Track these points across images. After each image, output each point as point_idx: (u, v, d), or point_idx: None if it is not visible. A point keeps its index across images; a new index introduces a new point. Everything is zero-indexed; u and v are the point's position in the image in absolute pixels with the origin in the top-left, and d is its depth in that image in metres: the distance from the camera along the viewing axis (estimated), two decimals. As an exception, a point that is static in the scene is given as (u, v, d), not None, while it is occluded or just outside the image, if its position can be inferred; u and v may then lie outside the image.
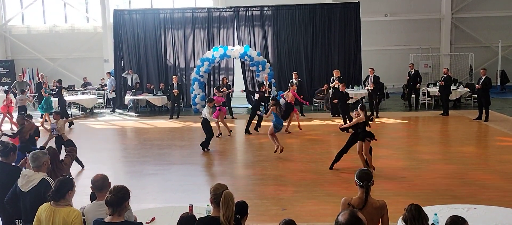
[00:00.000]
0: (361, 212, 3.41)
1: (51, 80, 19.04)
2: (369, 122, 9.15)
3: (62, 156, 5.95)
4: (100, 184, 4.22)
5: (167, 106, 18.39)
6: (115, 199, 3.68)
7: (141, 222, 4.04)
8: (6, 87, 20.18)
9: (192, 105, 18.16)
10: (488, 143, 12.24)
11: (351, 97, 15.06)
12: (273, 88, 17.02)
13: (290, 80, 16.36)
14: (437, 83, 17.14)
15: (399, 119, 15.58)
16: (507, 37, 21.80)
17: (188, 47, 19.36)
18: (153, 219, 5.26)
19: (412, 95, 17.37)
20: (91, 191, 4.54)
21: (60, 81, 16.41)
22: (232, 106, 17.23)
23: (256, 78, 18.36)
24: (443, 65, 21.04)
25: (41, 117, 16.02)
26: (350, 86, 17.32)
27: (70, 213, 4.00)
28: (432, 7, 22.32)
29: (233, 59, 18.36)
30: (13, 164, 5.49)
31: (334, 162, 9.44)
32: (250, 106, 19.17)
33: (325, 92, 17.64)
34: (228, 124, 13.86)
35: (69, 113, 18.22)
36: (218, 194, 3.75)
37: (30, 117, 9.29)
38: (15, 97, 16.73)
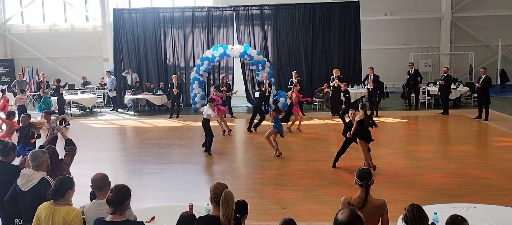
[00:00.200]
0: (361, 211, 3.41)
1: (51, 79, 19.04)
2: (371, 122, 9.11)
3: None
4: (100, 183, 4.21)
5: (166, 106, 18.39)
6: (117, 198, 3.68)
7: (142, 221, 4.03)
8: (5, 86, 20.20)
9: (192, 105, 18.15)
10: (487, 142, 12.24)
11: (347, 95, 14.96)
12: (273, 87, 17.02)
13: (290, 80, 16.37)
14: (437, 83, 17.14)
15: (399, 118, 15.59)
16: (507, 36, 21.80)
17: (188, 46, 19.35)
18: (153, 218, 5.26)
19: (412, 95, 17.37)
20: (90, 190, 4.54)
21: (58, 81, 16.39)
22: (232, 105, 17.22)
23: (256, 77, 18.36)
24: (443, 64, 21.06)
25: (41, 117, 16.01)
26: (349, 85, 17.32)
27: (70, 212, 4.00)
28: (432, 6, 22.32)
29: (233, 58, 18.35)
30: (13, 163, 5.49)
31: (335, 160, 9.47)
32: (250, 105, 19.21)
33: (324, 92, 17.64)
34: (228, 123, 13.86)
35: (69, 112, 18.25)
36: (218, 193, 3.75)
37: (29, 116, 9.32)
38: (15, 97, 16.75)
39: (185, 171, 9.79)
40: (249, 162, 10.57)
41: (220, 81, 17.53)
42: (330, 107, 16.78)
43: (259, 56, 17.59)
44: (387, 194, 7.15)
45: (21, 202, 4.67)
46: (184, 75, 19.38)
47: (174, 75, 17.50)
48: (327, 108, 17.27)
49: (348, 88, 15.04)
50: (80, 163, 8.61)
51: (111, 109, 19.08)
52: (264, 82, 16.24)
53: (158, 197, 8.08)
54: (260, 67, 17.46)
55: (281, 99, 16.89)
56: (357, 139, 9.08)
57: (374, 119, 9.84)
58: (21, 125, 9.30)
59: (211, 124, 11.16)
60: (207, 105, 11.24)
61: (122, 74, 19.18)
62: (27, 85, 17.93)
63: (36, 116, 15.58)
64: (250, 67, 18.33)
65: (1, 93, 15.54)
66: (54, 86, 16.41)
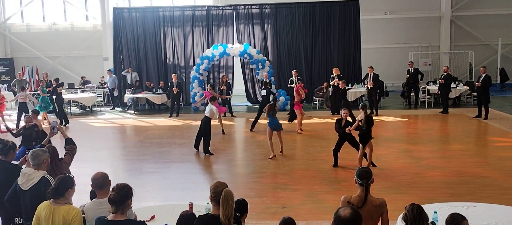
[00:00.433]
0: (361, 210, 3.42)
1: (50, 78, 19.02)
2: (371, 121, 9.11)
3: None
4: (100, 182, 4.21)
5: (166, 105, 18.39)
6: (118, 197, 3.68)
7: (144, 221, 4.03)
8: (5, 85, 20.20)
9: (192, 103, 18.15)
10: (487, 141, 12.24)
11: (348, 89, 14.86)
12: (273, 86, 17.02)
13: (290, 79, 16.36)
14: (437, 81, 17.14)
15: (399, 117, 15.59)
16: (506, 35, 21.79)
17: (187, 45, 19.34)
18: (153, 217, 5.26)
19: (411, 94, 17.37)
20: (90, 189, 4.54)
21: (57, 80, 16.36)
22: (232, 104, 17.22)
23: (256, 76, 18.36)
24: (443, 63, 21.04)
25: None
26: (349, 84, 17.32)
27: (70, 211, 4.00)
28: (432, 5, 22.31)
29: (233, 57, 18.35)
30: (13, 162, 5.49)
31: (335, 160, 9.48)
32: (250, 104, 19.22)
33: (324, 91, 17.64)
34: (228, 122, 13.85)
35: (69, 111, 18.24)
36: (218, 192, 3.75)
37: (36, 112, 9.42)
38: (14, 95, 16.74)
39: (185, 170, 9.80)
40: (249, 161, 10.58)
41: (220, 80, 17.53)
42: (330, 106, 16.78)
43: (259, 55, 17.59)
44: (387, 193, 7.15)
45: (21, 201, 4.68)
46: (184, 74, 19.37)
47: (174, 74, 17.49)
48: (327, 107, 17.28)
49: (346, 87, 15.06)
50: (80, 162, 8.62)
51: (111, 108, 19.08)
52: (265, 80, 16.23)
53: (158, 196, 8.08)
54: (260, 66, 17.46)
55: (281, 98, 16.92)
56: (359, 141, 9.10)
57: (373, 117, 9.84)
58: (25, 125, 9.32)
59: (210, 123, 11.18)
60: (209, 104, 11.19)
61: (122, 73, 19.18)
62: (27, 84, 17.92)
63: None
64: (250, 66, 18.33)
65: None
66: (54, 85, 16.39)
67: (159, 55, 19.45)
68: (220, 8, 19.45)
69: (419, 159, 10.05)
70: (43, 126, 10.61)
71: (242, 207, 4.42)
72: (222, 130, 13.34)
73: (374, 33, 21.83)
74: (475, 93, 16.15)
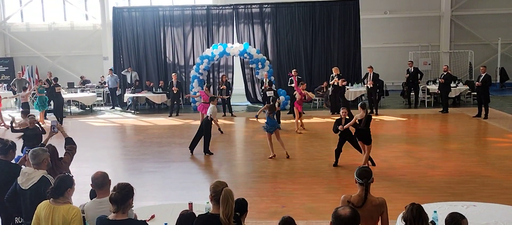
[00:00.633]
0: (361, 210, 3.43)
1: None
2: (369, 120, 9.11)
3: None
4: (100, 182, 4.21)
5: (166, 104, 18.38)
6: (120, 196, 3.68)
7: (145, 220, 4.03)
8: (5, 85, 20.20)
9: (192, 103, 18.15)
10: (487, 140, 12.23)
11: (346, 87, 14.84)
12: (273, 85, 16.99)
13: (290, 78, 16.33)
14: (437, 81, 17.14)
15: (399, 116, 15.59)
16: (506, 35, 21.79)
17: (187, 45, 19.34)
18: (152, 216, 5.26)
19: (411, 93, 17.37)
20: (90, 188, 4.54)
21: (55, 79, 16.31)
22: (231, 104, 17.21)
23: (256, 76, 18.36)
24: (443, 62, 21.03)
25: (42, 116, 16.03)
26: (349, 84, 17.32)
27: (70, 211, 4.00)
28: (432, 4, 22.31)
29: (233, 57, 18.35)
30: (13, 161, 5.49)
31: (336, 159, 9.48)
32: (250, 103, 19.21)
33: (324, 90, 17.65)
34: (228, 122, 13.84)
35: (69, 110, 18.25)
36: (218, 192, 3.75)
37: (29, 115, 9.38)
38: (14, 95, 16.76)
39: (185, 170, 9.79)
40: (248, 160, 10.57)
41: (220, 79, 17.53)
42: (329, 106, 16.78)
43: (259, 55, 17.59)
44: (386, 192, 7.14)
45: (21, 200, 4.68)
46: (183, 73, 19.37)
47: (173, 74, 17.49)
48: (327, 107, 17.27)
49: (346, 86, 15.06)
50: (80, 161, 8.61)
51: (111, 107, 19.08)
52: (265, 80, 16.25)
53: (158, 196, 8.08)
54: (260, 66, 17.46)
55: (281, 97, 16.88)
56: (360, 142, 9.10)
57: (372, 117, 9.85)
58: (29, 126, 9.31)
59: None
60: (211, 104, 11.16)
61: (122, 72, 19.18)
62: (27, 84, 17.92)
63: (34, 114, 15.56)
64: (250, 65, 18.33)
65: None
66: (52, 85, 16.37)
67: (159, 55, 19.45)
68: (220, 7, 19.45)
69: (419, 159, 10.05)
70: (43, 125, 10.60)
71: (242, 206, 4.42)
72: (219, 129, 13.22)
73: (374, 33, 21.83)
74: (475, 93, 16.15)
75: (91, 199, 4.61)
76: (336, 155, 9.45)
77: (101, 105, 19.52)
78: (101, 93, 19.60)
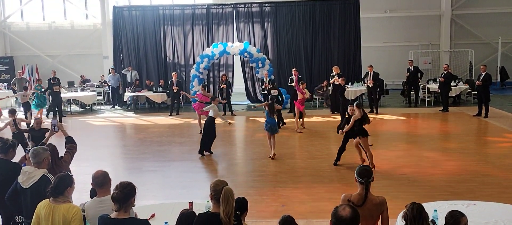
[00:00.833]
0: (361, 209, 3.43)
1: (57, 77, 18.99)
2: (368, 119, 9.11)
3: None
4: (101, 181, 4.22)
5: (166, 103, 18.39)
6: (122, 195, 3.68)
7: (147, 220, 4.03)
8: (5, 84, 20.20)
9: (192, 102, 18.12)
10: (487, 139, 12.23)
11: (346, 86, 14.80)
12: (274, 84, 17.00)
13: (290, 77, 16.34)
14: (437, 80, 17.13)
15: (399, 115, 15.58)
16: (506, 34, 21.79)
17: (187, 44, 19.34)
18: (153, 215, 5.26)
19: (411, 92, 17.37)
20: (90, 187, 4.54)
21: (54, 79, 16.29)
22: (232, 103, 17.21)
23: (256, 75, 18.35)
24: (443, 61, 21.03)
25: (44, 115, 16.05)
26: (349, 83, 17.32)
27: (70, 210, 4.00)
28: (432, 3, 22.30)
29: (233, 56, 18.34)
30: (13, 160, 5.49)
31: (337, 158, 9.48)
32: (249, 102, 19.21)
33: (324, 89, 17.64)
34: (229, 121, 13.80)
35: (69, 110, 18.25)
36: (218, 190, 3.75)
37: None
38: (14, 94, 16.74)
39: (185, 168, 9.79)
40: (249, 159, 10.58)
41: (220, 78, 17.53)
42: (330, 105, 16.78)
43: (259, 54, 17.58)
44: (387, 191, 7.14)
45: (22, 199, 4.68)
46: (184, 72, 19.37)
47: (174, 73, 17.48)
48: (327, 106, 17.28)
49: (346, 85, 15.05)
50: (80, 160, 8.62)
51: (111, 107, 19.08)
52: (265, 80, 16.24)
53: (158, 195, 8.08)
54: (260, 65, 17.45)
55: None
56: (359, 137, 9.09)
57: (373, 116, 9.85)
58: (34, 127, 9.31)
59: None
60: (212, 104, 11.12)
61: (122, 71, 19.18)
62: (27, 83, 17.91)
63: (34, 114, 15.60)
64: (250, 64, 18.33)
65: None
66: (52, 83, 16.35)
67: (159, 54, 19.45)
68: (220, 6, 19.44)
69: (419, 157, 10.05)
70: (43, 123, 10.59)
71: (242, 205, 4.42)
72: (227, 121, 12.97)
73: (374, 32, 21.83)
74: (475, 92, 16.15)
75: (91, 198, 4.61)
76: (338, 153, 9.45)
77: (101, 104, 19.52)
78: (101, 93, 19.60)
